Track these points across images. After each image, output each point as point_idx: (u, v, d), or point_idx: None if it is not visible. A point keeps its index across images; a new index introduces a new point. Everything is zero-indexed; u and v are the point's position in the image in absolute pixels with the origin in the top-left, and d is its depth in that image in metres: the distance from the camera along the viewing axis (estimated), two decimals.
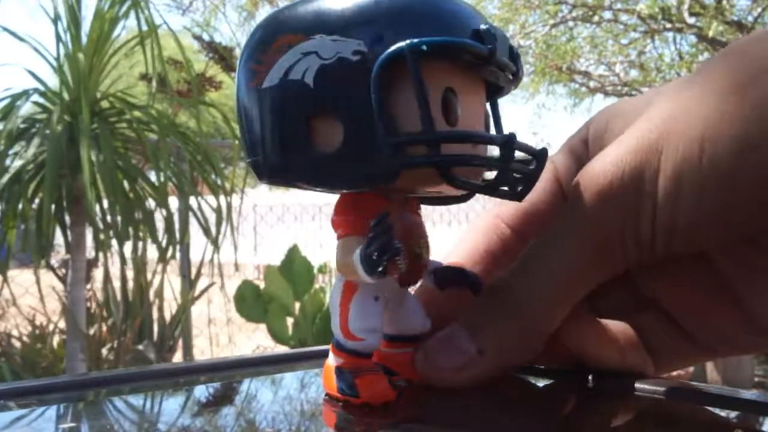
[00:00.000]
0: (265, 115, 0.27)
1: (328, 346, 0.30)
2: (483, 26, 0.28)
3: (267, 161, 0.28)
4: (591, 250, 0.28)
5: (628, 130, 0.29)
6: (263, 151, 0.28)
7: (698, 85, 0.27)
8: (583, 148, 0.33)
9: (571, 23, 5.27)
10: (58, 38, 2.06)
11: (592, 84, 5.95)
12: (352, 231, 0.28)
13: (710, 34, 4.47)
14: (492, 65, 0.28)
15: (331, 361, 0.29)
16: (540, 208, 0.33)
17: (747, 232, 0.26)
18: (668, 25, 4.77)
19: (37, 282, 2.02)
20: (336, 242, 0.29)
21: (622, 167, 0.27)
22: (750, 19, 4.78)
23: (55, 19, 2.05)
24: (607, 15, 5.22)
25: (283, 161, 0.27)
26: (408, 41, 0.26)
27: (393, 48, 0.26)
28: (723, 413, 0.27)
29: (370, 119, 0.26)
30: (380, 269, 0.27)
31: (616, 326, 0.31)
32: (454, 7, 0.28)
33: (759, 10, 4.73)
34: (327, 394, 0.29)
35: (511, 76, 0.30)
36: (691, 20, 4.64)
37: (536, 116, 17.43)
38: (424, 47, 0.26)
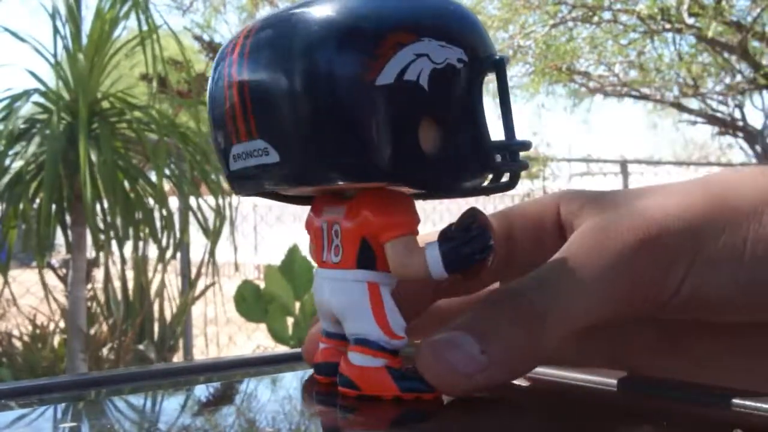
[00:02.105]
0: (377, 113, 0.26)
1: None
2: None
3: (363, 160, 0.27)
4: (620, 292, 0.28)
5: (673, 190, 0.30)
6: (356, 149, 0.27)
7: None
8: (544, 222, 0.33)
9: (570, 24, 5.27)
10: (59, 38, 2.06)
11: (591, 84, 5.95)
12: (410, 230, 0.28)
13: (709, 34, 4.47)
14: None
15: (369, 363, 0.28)
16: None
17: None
18: (668, 26, 4.77)
19: (43, 283, 2.02)
20: (377, 243, 0.28)
21: (672, 225, 0.28)
22: (749, 19, 4.78)
23: (55, 19, 2.05)
24: (607, 15, 5.22)
25: (387, 161, 0.27)
26: (499, 55, 0.29)
27: (492, 60, 0.28)
28: (723, 413, 0.27)
29: (467, 125, 0.28)
30: (462, 269, 0.28)
31: None
32: None
33: (758, 10, 4.73)
34: (345, 396, 0.29)
35: None
36: (691, 20, 4.64)
37: (536, 116, 17.43)
38: (505, 61, 0.29)
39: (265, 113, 0.27)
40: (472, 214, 0.29)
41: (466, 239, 0.28)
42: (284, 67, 0.27)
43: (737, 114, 6.54)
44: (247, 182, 0.30)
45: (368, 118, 0.26)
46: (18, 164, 1.97)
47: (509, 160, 0.29)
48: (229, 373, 0.36)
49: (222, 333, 3.04)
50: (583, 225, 0.30)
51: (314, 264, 0.31)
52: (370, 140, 0.27)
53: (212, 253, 2.17)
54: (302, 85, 0.27)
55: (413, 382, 0.28)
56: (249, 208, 4.62)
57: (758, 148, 6.25)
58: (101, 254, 2.21)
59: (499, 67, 0.29)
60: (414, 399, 0.28)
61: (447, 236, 0.28)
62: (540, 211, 0.34)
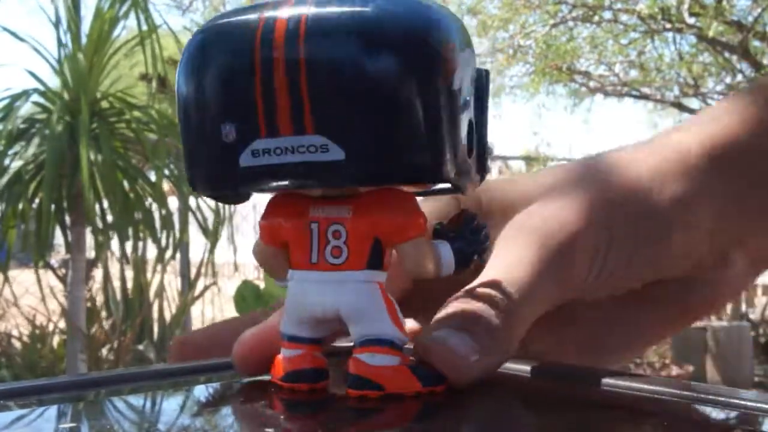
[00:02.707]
0: (449, 116, 0.27)
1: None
2: None
3: (435, 161, 0.27)
4: (564, 284, 0.34)
5: (580, 183, 0.37)
6: (431, 150, 0.27)
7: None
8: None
9: (571, 23, 5.27)
10: (58, 38, 2.06)
11: (592, 84, 5.94)
12: (423, 231, 0.29)
13: (710, 34, 4.47)
14: None
15: (388, 362, 0.28)
16: None
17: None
18: (668, 25, 4.76)
19: (38, 282, 2.02)
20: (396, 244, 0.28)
21: (594, 220, 0.34)
22: (750, 19, 4.78)
23: (55, 19, 2.05)
24: (607, 15, 5.22)
25: (451, 163, 0.27)
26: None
27: (485, 70, 0.30)
28: (722, 413, 0.27)
29: (478, 128, 0.29)
30: (464, 267, 0.30)
31: None
32: None
33: (759, 10, 4.73)
34: (366, 396, 0.28)
35: None
36: (691, 20, 4.64)
37: (536, 116, 17.41)
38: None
39: (332, 109, 0.26)
40: (473, 214, 0.30)
41: (471, 239, 0.30)
42: (368, 65, 0.26)
43: None
44: (267, 180, 0.28)
45: (443, 121, 0.27)
46: (17, 164, 1.97)
47: (485, 163, 0.30)
48: (229, 373, 0.36)
49: None
50: (509, 226, 0.35)
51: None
52: (444, 142, 0.27)
53: (212, 253, 2.17)
54: (390, 86, 0.26)
55: (428, 377, 0.28)
56: (249, 208, 4.62)
57: None
58: (101, 254, 2.21)
59: (488, 76, 0.30)
60: (428, 393, 0.28)
61: (452, 235, 0.29)
62: (449, 207, 0.37)
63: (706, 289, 0.38)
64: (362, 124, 0.26)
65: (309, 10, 0.26)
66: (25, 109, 2.04)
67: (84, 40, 2.07)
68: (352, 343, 0.29)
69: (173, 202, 2.15)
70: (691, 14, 4.60)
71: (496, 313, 0.30)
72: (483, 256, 0.30)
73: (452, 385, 0.29)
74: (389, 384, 0.28)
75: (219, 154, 0.27)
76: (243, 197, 0.31)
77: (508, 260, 0.33)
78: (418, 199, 0.31)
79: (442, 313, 0.31)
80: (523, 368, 0.32)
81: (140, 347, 2.41)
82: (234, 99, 0.27)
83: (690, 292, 0.38)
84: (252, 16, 0.26)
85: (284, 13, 0.26)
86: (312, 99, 0.26)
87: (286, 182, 0.28)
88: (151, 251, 2.16)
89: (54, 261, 2.50)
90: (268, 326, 0.32)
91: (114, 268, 2.43)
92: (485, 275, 0.32)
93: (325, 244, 0.28)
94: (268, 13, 0.26)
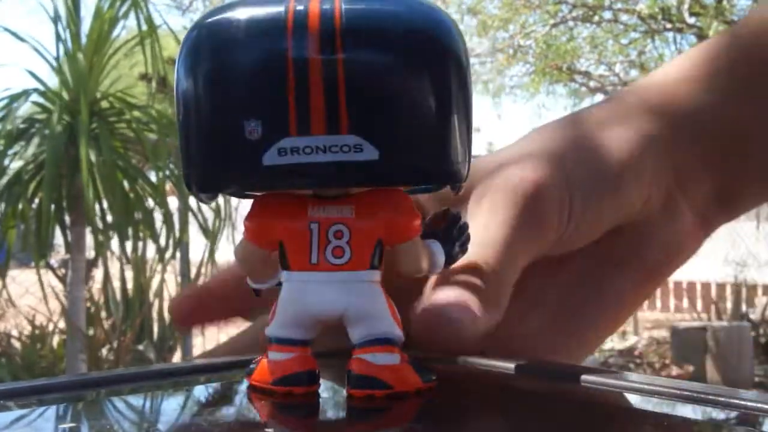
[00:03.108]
0: (470, 117, 0.28)
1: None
2: None
3: (464, 161, 0.28)
4: (537, 240, 0.36)
5: (544, 149, 0.38)
6: (465, 150, 0.27)
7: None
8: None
9: (571, 23, 5.28)
10: (58, 38, 2.06)
11: (592, 84, 5.95)
12: (420, 231, 0.29)
13: (710, 34, 4.48)
14: None
15: (394, 360, 0.28)
16: None
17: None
18: (668, 25, 4.77)
19: (40, 282, 2.02)
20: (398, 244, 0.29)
21: (558, 180, 0.36)
22: None
23: (55, 19, 2.05)
24: (607, 15, 5.23)
25: (467, 160, 0.28)
26: None
27: None
28: (722, 413, 0.27)
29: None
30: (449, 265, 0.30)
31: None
32: None
33: None
34: (373, 395, 0.28)
35: None
36: (691, 20, 4.64)
37: (536, 116, 17.42)
38: None
39: (370, 110, 0.26)
40: (457, 214, 0.31)
41: (457, 238, 0.31)
42: (409, 65, 0.26)
43: None
44: (292, 179, 0.27)
45: (468, 122, 0.27)
46: (17, 164, 1.97)
47: None
48: (229, 373, 0.36)
49: (222, 333, 3.04)
50: (474, 193, 0.36)
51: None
52: (469, 144, 0.28)
53: (212, 253, 2.17)
54: (429, 87, 0.26)
55: (425, 373, 0.28)
56: (249, 207, 4.61)
57: None
58: (101, 254, 2.21)
59: None
60: (426, 389, 0.28)
61: (440, 235, 0.30)
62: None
63: (660, 246, 0.40)
64: (401, 125, 0.26)
65: (338, 5, 0.25)
66: (25, 109, 2.05)
67: (84, 40, 2.07)
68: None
69: (173, 202, 2.15)
70: (691, 14, 4.61)
71: (480, 281, 0.32)
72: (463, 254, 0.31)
73: (453, 353, 0.31)
74: (396, 382, 0.28)
75: (239, 152, 0.26)
76: (211, 197, 0.30)
77: (481, 224, 0.34)
78: None
79: (429, 293, 0.32)
80: (525, 368, 0.32)
81: (140, 347, 2.41)
82: (261, 95, 0.26)
83: (647, 250, 0.40)
84: (276, 8, 0.25)
85: (314, 6, 0.25)
86: (349, 99, 0.25)
87: (311, 182, 0.27)
88: (151, 251, 2.16)
89: (54, 261, 2.50)
90: (204, 287, 0.34)
91: (114, 268, 2.43)
92: (474, 237, 0.33)
93: (325, 245, 0.28)
94: (296, 6, 0.25)
